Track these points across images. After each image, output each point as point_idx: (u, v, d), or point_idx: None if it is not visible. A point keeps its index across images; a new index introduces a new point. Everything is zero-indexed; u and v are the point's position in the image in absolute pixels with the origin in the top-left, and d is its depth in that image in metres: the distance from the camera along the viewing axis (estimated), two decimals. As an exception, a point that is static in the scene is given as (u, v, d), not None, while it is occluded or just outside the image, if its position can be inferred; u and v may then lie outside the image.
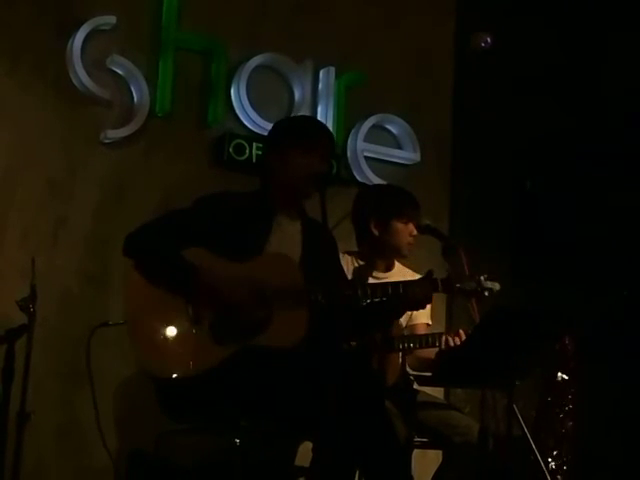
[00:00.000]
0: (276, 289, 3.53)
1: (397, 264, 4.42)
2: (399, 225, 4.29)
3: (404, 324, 4.36)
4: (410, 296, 3.65)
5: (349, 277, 4.11)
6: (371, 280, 4.20)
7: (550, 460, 5.33)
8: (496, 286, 3.72)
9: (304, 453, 3.74)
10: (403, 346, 4.13)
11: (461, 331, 4.15)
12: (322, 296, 3.52)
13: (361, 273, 4.26)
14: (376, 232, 4.33)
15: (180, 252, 3.52)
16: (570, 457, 5.39)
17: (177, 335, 3.50)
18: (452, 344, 4.10)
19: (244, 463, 3.51)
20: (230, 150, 5.13)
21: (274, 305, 3.51)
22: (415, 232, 4.29)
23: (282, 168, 3.71)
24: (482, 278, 3.70)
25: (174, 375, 3.46)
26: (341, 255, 4.21)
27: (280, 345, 3.46)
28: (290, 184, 3.71)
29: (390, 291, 3.66)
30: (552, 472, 5.29)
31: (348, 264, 4.27)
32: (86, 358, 4.03)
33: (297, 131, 3.78)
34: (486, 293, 3.70)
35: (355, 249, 4.42)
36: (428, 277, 3.70)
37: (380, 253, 4.35)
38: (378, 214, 4.32)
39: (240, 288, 3.49)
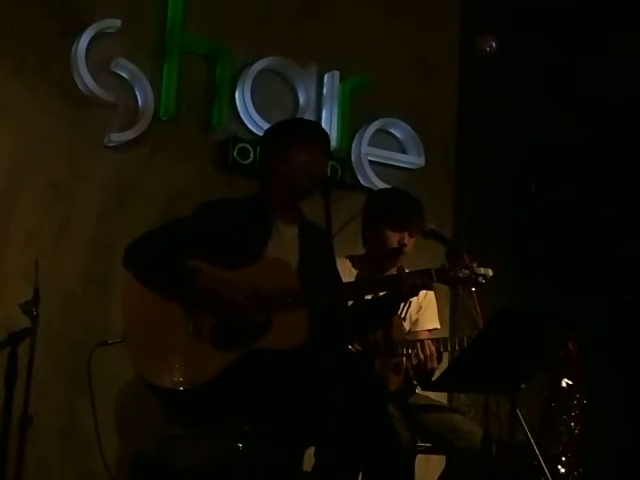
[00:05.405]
0: (274, 293, 3.53)
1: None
2: (388, 232, 4.27)
3: (407, 329, 4.35)
4: (402, 285, 3.63)
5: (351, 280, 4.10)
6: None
7: (560, 466, 5.31)
8: (489, 272, 3.71)
9: (306, 457, 3.73)
10: (406, 351, 4.12)
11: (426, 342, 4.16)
12: (326, 299, 3.52)
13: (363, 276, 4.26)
14: (369, 237, 4.33)
15: (180, 261, 3.52)
16: (578, 462, 5.37)
17: (178, 347, 3.50)
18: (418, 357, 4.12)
19: (247, 467, 3.51)
20: (234, 154, 5.12)
21: (273, 308, 3.52)
22: (406, 240, 4.26)
23: (285, 167, 3.72)
24: (474, 265, 3.70)
25: (179, 387, 3.45)
26: (343, 259, 4.21)
27: (283, 347, 3.46)
28: (294, 182, 3.71)
29: (385, 284, 3.69)
30: (562, 478, 5.27)
31: (350, 268, 4.26)
32: (87, 374, 4.03)
33: (296, 129, 3.85)
34: (480, 279, 3.69)
35: (359, 253, 4.41)
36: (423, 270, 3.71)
37: (378, 258, 4.33)
38: (371, 219, 4.32)
39: (239, 292, 3.49)
